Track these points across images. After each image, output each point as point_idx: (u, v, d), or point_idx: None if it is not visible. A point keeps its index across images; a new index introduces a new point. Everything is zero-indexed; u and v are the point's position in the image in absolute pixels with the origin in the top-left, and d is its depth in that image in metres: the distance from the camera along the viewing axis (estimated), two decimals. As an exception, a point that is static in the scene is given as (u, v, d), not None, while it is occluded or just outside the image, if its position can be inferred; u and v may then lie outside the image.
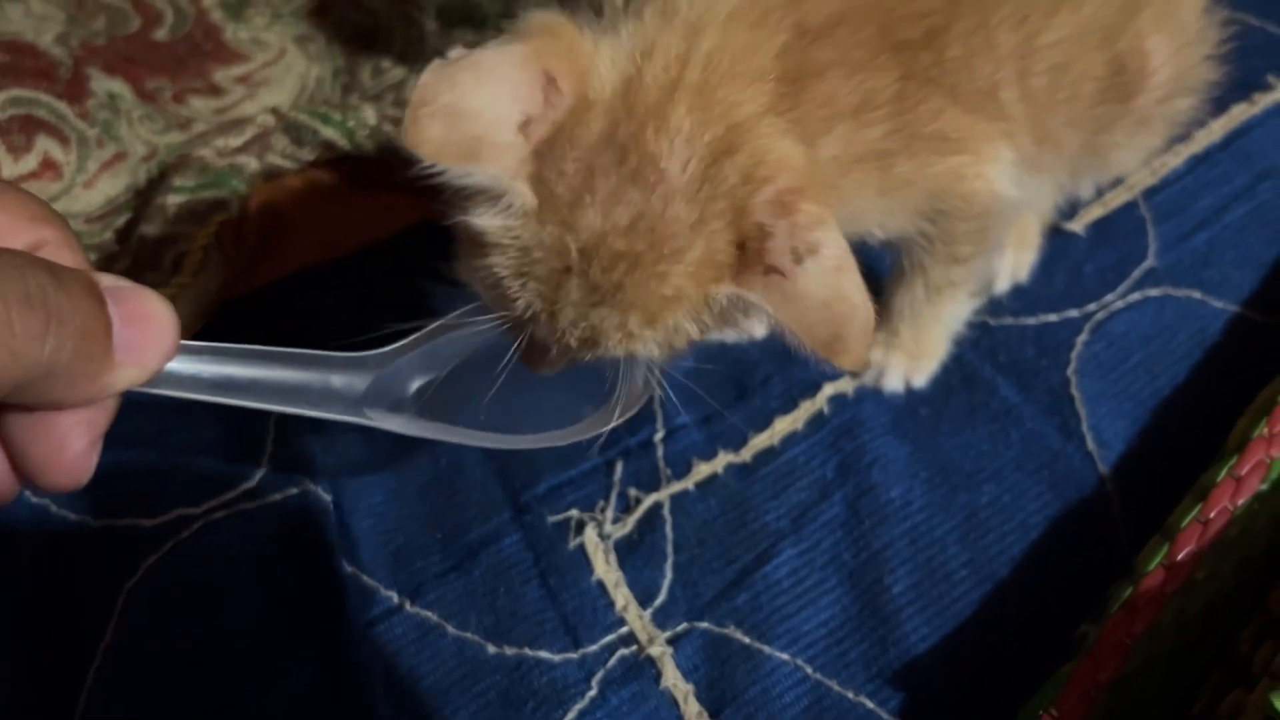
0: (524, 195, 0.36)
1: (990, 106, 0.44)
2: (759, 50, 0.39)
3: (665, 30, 0.38)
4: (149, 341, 0.29)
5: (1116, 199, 0.64)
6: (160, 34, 0.75)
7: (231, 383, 0.35)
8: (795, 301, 0.37)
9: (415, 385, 0.42)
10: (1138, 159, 0.56)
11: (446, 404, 0.42)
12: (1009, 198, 0.46)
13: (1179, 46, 0.50)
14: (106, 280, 0.29)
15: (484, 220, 0.37)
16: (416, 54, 0.71)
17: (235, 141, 0.61)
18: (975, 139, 0.44)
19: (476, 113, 0.35)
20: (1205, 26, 0.52)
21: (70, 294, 0.26)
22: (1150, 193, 0.64)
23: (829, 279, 0.37)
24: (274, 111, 0.63)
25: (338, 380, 0.39)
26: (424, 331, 0.42)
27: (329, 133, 0.62)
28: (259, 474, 0.56)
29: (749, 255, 0.37)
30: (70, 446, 0.29)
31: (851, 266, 0.37)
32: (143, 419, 0.56)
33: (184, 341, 0.31)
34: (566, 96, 0.37)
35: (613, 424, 0.43)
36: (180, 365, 0.32)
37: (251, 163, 0.61)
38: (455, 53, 0.36)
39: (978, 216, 0.46)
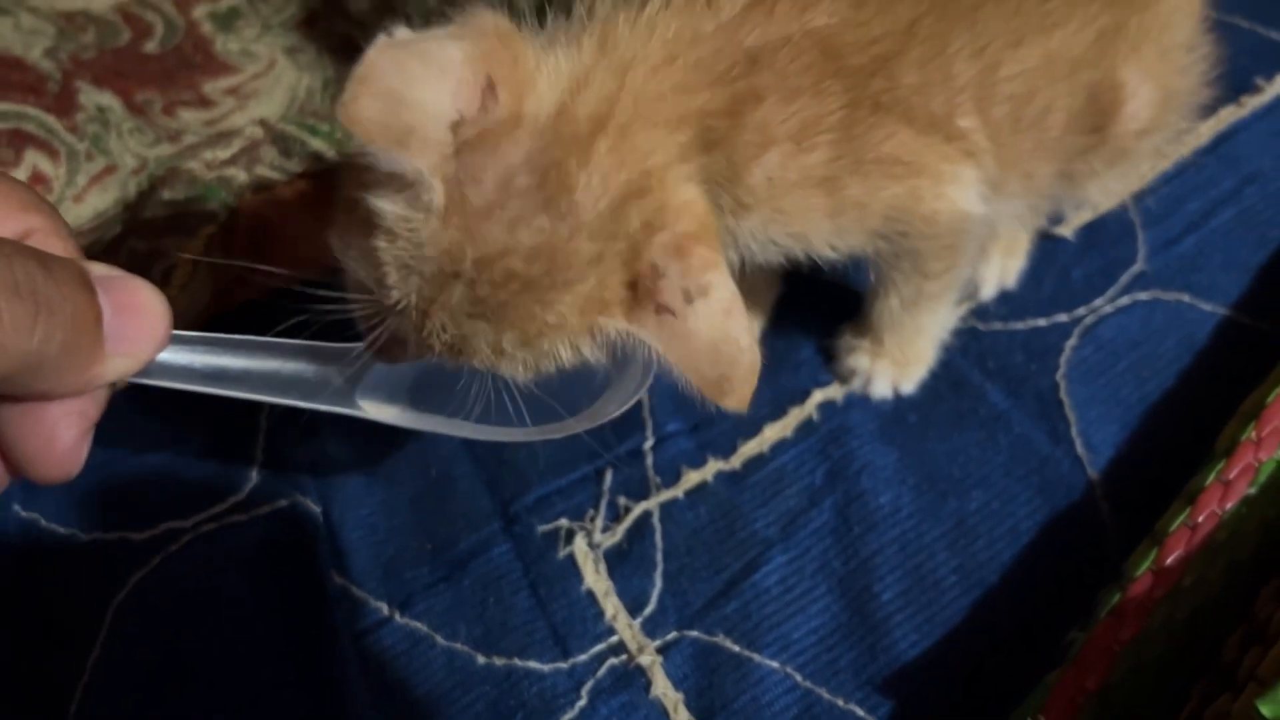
0: (437, 193, 0.36)
1: (948, 128, 0.44)
2: (685, 93, 0.39)
3: (600, 65, 0.39)
4: (140, 332, 0.29)
5: (1104, 203, 0.64)
6: (150, 46, 0.75)
7: (224, 373, 0.34)
8: (684, 340, 0.37)
9: (408, 378, 0.42)
10: (1120, 188, 0.57)
11: (439, 395, 0.42)
12: (975, 215, 0.46)
13: (1159, 78, 0.49)
14: (97, 269, 0.28)
15: (385, 204, 0.37)
16: (405, 64, 0.71)
17: (223, 154, 0.61)
18: (933, 161, 0.44)
19: (416, 102, 0.35)
20: (1192, 56, 0.52)
21: (60, 283, 0.26)
22: (1139, 197, 0.64)
23: (717, 320, 0.37)
24: (262, 123, 0.63)
25: (331, 370, 0.39)
26: None
27: (317, 144, 0.62)
28: (248, 486, 0.56)
29: (641, 294, 0.38)
30: (61, 437, 0.28)
31: (740, 310, 0.38)
32: (131, 431, 0.56)
33: (176, 332, 0.31)
34: (502, 107, 0.37)
35: (607, 418, 0.43)
36: (172, 355, 0.32)
37: (240, 175, 0.61)
38: (401, 33, 0.35)
39: (944, 235, 0.46)
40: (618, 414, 0.43)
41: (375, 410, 0.40)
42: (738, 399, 0.38)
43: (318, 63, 0.76)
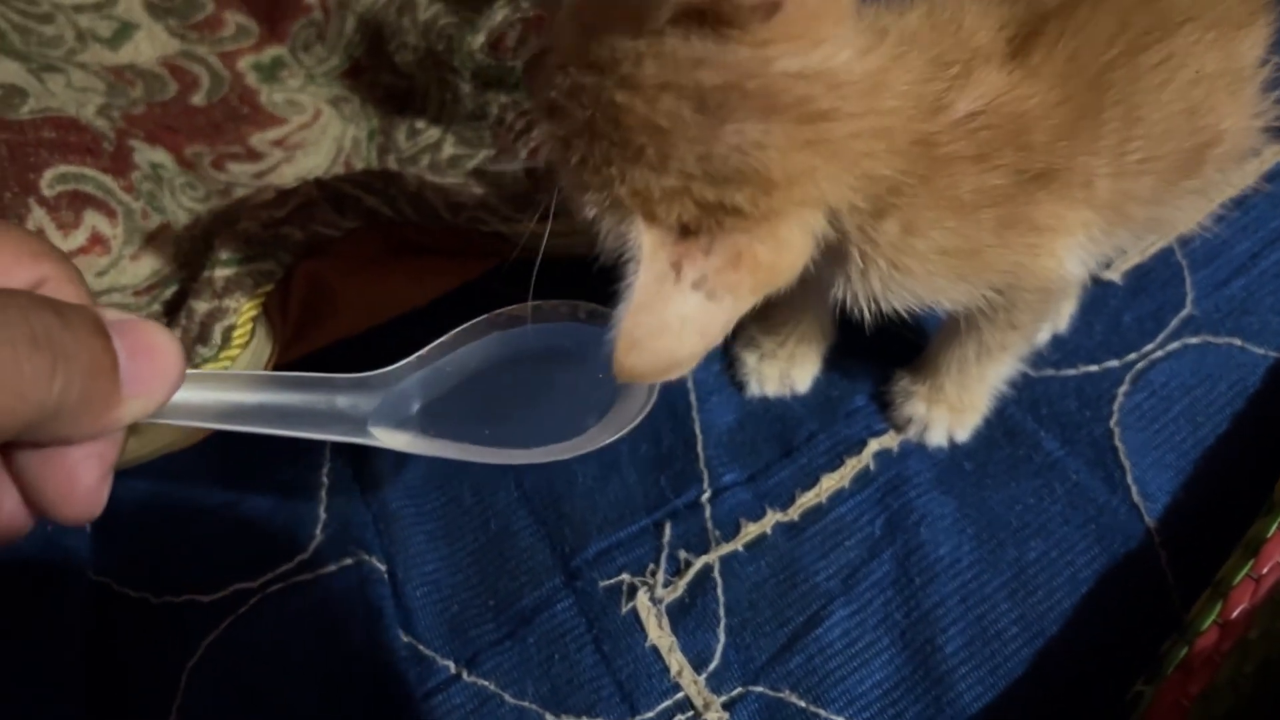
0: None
1: (1080, 194, 0.44)
2: (883, 139, 0.39)
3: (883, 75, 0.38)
4: (155, 373, 0.29)
5: (1152, 246, 0.64)
6: (197, 99, 0.76)
7: (238, 410, 0.35)
8: (658, 299, 0.37)
9: (418, 404, 0.42)
10: (1190, 223, 0.56)
11: (450, 421, 0.42)
12: (1072, 276, 0.46)
13: (1241, 120, 0.49)
14: (110, 315, 0.29)
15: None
16: (451, 116, 0.72)
17: (279, 213, 0.62)
18: (1059, 224, 0.44)
19: None
20: (1262, 100, 0.52)
21: (76, 332, 0.26)
22: (1185, 240, 0.64)
23: (690, 325, 0.37)
24: (317, 182, 0.63)
25: (342, 401, 0.39)
26: (426, 350, 0.42)
27: (371, 201, 0.63)
28: (313, 544, 0.57)
29: (681, 242, 0.37)
30: (81, 480, 0.29)
31: (707, 340, 0.37)
32: (194, 491, 0.57)
33: (189, 370, 0.31)
34: (765, 31, 0.35)
35: (617, 436, 0.43)
36: (187, 395, 0.32)
37: (295, 233, 0.62)
38: None
39: (1040, 290, 0.47)
40: (626, 432, 0.43)
41: (387, 438, 0.40)
42: (629, 370, 0.36)
43: (362, 113, 0.77)
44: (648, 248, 0.37)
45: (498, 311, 0.43)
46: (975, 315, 0.50)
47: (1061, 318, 0.61)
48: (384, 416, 0.40)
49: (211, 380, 0.34)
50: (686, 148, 0.36)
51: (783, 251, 0.38)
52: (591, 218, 0.38)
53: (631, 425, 0.43)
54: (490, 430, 0.42)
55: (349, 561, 0.56)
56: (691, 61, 0.35)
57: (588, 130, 0.37)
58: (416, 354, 0.41)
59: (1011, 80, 0.41)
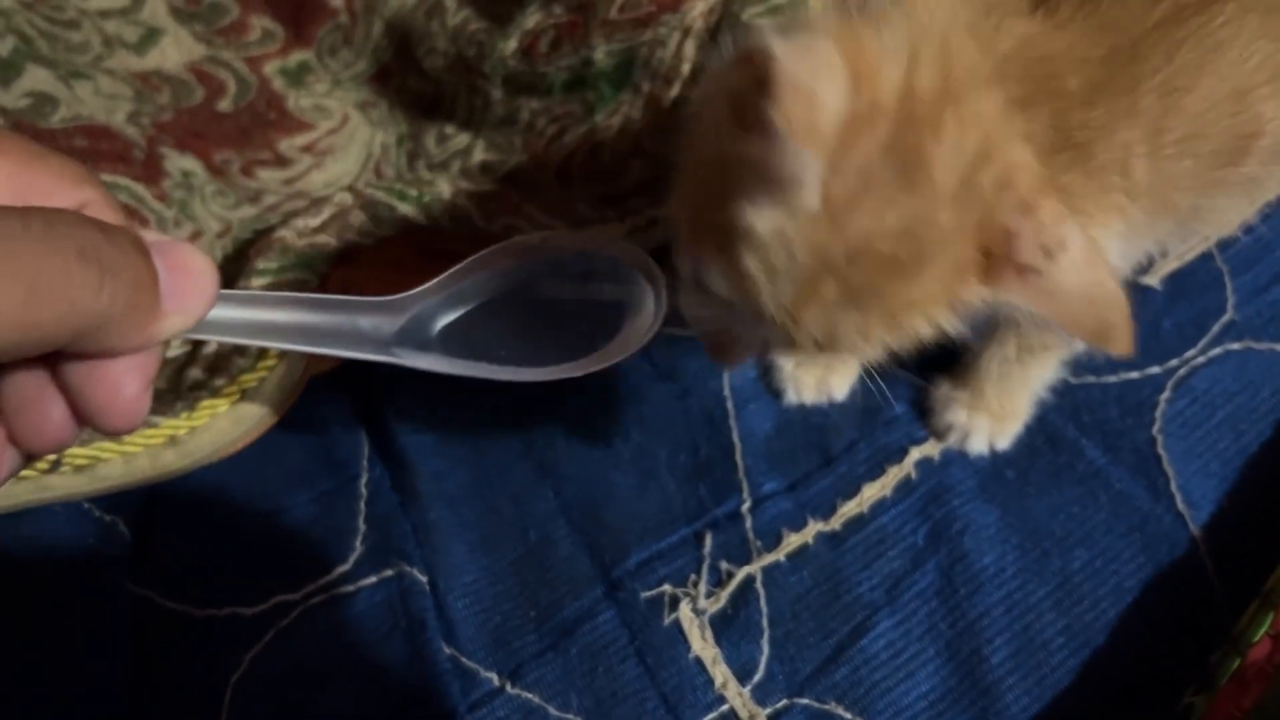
0: (814, 189, 0.36)
1: (1114, 176, 0.43)
2: (986, 60, 0.39)
3: (923, 39, 0.38)
4: (192, 290, 0.31)
5: (1191, 251, 0.64)
6: (224, 104, 0.76)
7: (269, 327, 0.37)
8: (1056, 297, 0.37)
9: (438, 327, 0.44)
10: (1233, 223, 0.56)
11: (469, 343, 0.44)
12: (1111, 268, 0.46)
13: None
14: (150, 235, 0.30)
15: (758, 216, 0.37)
16: (480, 121, 0.72)
17: (314, 221, 0.62)
18: (1092, 205, 0.44)
19: (821, 103, 0.35)
20: None
21: (120, 248, 0.28)
22: (1225, 244, 0.64)
23: (1083, 271, 0.37)
24: (350, 189, 0.63)
25: (366, 322, 0.40)
26: (444, 275, 0.43)
27: (405, 209, 0.63)
28: (353, 556, 0.56)
29: (996, 259, 0.38)
30: (125, 390, 0.30)
31: (1100, 257, 0.38)
32: (234, 506, 0.57)
33: (223, 290, 0.33)
34: (861, 98, 0.36)
35: (627, 354, 0.44)
36: (221, 312, 0.34)
37: (331, 242, 0.62)
38: (775, 35, 0.35)
39: None
40: (636, 350, 0.44)
41: (410, 358, 0.42)
42: (1123, 343, 0.38)
43: (390, 118, 0.76)
44: (999, 292, 0.38)
45: (513, 239, 0.45)
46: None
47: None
48: (407, 338, 0.42)
49: (243, 299, 0.36)
50: (930, 233, 0.37)
51: (1029, 168, 0.39)
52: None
53: (641, 344, 0.44)
54: (506, 351, 0.44)
55: (390, 573, 0.56)
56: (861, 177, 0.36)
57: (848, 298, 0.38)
58: (435, 279, 0.43)
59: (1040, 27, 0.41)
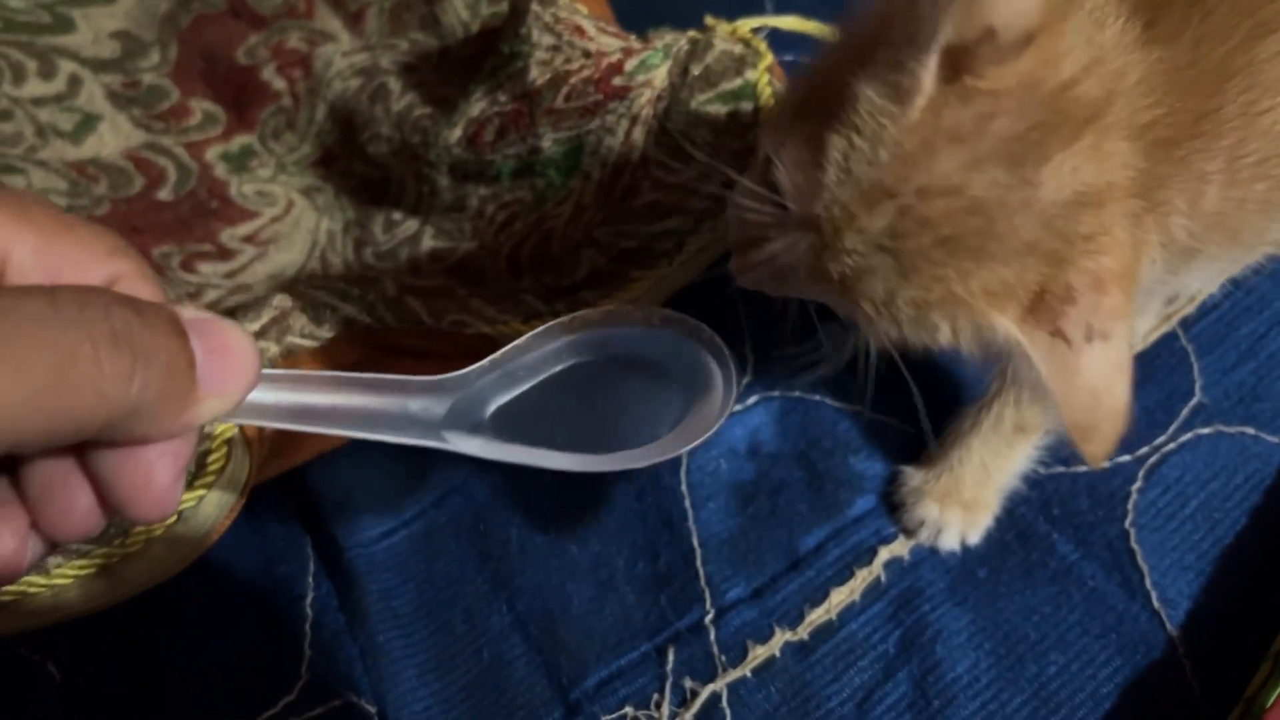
0: (925, 90, 0.35)
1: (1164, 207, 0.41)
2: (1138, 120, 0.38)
3: (1115, 53, 0.37)
4: (232, 374, 0.29)
5: (1154, 331, 0.62)
6: (164, 193, 0.73)
7: (312, 410, 0.34)
8: (1069, 375, 0.36)
9: (491, 408, 0.41)
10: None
11: (523, 426, 0.41)
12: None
13: None
14: (188, 313, 0.29)
15: (870, 89, 0.35)
16: (429, 208, 0.70)
17: (253, 326, 0.59)
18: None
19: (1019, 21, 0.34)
20: None
21: (155, 331, 0.26)
22: (1187, 323, 0.62)
23: (1108, 371, 0.36)
24: (291, 292, 0.61)
25: (415, 405, 0.38)
26: (501, 352, 0.41)
27: (349, 309, 0.60)
28: (298, 684, 0.54)
29: (1042, 309, 0.36)
30: (157, 479, 0.29)
31: (1129, 370, 0.36)
32: (173, 635, 0.54)
33: (265, 370, 0.31)
34: (1023, 61, 0.35)
35: (692, 445, 0.42)
36: (262, 395, 0.32)
37: (271, 347, 0.59)
38: None
39: None
40: (701, 441, 0.41)
41: (460, 442, 0.39)
42: (1099, 451, 0.37)
43: (336, 204, 0.74)
44: (1025, 340, 0.36)
45: (571, 315, 0.42)
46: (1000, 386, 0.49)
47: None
48: (457, 420, 0.39)
49: (286, 380, 0.34)
50: (1003, 230, 0.35)
51: (1124, 251, 0.37)
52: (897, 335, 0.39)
53: (707, 435, 0.41)
54: (563, 436, 0.41)
55: (337, 703, 0.53)
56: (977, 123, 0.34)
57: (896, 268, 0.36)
58: (489, 357, 0.40)
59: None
